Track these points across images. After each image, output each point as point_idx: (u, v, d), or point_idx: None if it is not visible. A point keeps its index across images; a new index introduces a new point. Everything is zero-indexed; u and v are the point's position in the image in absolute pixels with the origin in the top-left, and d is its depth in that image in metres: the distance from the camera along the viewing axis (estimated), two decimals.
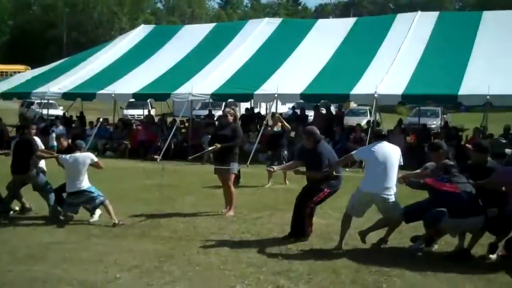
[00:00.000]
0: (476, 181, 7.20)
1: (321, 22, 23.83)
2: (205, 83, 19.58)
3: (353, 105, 32.32)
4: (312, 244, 7.95)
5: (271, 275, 6.60)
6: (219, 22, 42.94)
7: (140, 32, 26.27)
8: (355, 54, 19.43)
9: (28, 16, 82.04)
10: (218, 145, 9.78)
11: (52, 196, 9.65)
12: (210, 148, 10.15)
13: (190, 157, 11.24)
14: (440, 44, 18.96)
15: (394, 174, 7.50)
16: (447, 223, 7.08)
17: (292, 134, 16.70)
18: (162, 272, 6.68)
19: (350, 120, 26.60)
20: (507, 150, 7.19)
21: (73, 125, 23.75)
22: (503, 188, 7.21)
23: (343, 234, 7.77)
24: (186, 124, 22.81)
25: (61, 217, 9.29)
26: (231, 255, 7.41)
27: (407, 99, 17.86)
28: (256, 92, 18.68)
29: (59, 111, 30.01)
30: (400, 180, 7.73)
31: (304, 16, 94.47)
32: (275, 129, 13.77)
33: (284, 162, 13.48)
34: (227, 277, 6.53)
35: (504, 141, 16.72)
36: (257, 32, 22.61)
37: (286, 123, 13.83)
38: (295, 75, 18.88)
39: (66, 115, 26.52)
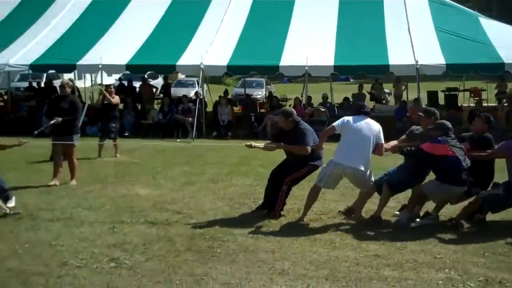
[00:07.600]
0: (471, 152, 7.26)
1: None
2: (24, 52, 18.41)
3: (181, 76, 32.43)
4: (147, 216, 7.97)
5: (106, 248, 6.54)
6: None
7: None
8: (179, 27, 19.39)
9: None
10: (59, 119, 9.76)
11: None
12: (51, 122, 9.85)
13: (35, 132, 10.48)
14: (259, 18, 19.49)
15: (368, 149, 7.40)
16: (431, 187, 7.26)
17: (121, 106, 16.40)
18: None
19: (178, 91, 26.53)
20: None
21: None
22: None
23: (308, 206, 7.68)
24: (5, 97, 21.35)
25: None
26: (62, 230, 7.21)
27: (232, 70, 18.37)
28: (78, 63, 18.00)
29: None
30: (394, 150, 7.72)
31: None
32: (105, 101, 13.55)
33: (114, 135, 13.37)
34: (60, 253, 6.36)
35: (323, 109, 18.37)
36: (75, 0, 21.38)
37: (110, 97, 13.38)
38: (119, 46, 18.39)
39: None
